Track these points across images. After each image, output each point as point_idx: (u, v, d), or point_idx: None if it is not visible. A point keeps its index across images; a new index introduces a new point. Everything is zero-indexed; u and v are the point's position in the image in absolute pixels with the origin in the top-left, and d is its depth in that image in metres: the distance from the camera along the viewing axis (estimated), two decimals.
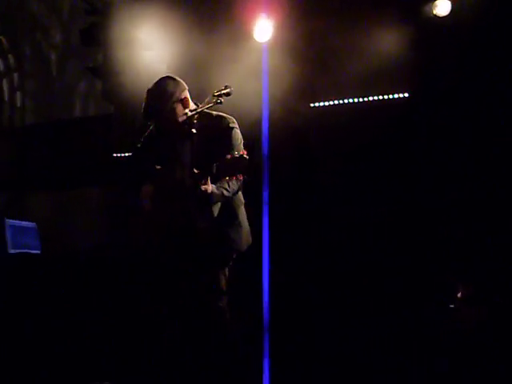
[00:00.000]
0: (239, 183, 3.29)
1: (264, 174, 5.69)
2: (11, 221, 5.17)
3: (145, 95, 3.45)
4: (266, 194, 5.62)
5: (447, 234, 5.64)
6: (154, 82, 3.47)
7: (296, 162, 6.69)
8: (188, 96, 3.46)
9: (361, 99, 6.72)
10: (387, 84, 6.49)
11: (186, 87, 3.49)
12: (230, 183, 3.25)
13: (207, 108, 3.39)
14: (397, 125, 6.35)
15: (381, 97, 6.62)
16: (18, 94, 16.35)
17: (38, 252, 5.31)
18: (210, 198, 3.18)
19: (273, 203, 5.71)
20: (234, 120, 3.48)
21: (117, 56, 7.10)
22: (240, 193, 3.48)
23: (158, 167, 3.43)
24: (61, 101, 16.34)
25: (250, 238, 3.59)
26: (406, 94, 6.47)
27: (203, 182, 3.09)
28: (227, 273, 3.50)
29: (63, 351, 4.50)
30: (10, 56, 16.13)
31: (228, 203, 3.39)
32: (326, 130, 6.68)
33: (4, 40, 15.92)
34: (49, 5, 16.22)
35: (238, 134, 3.46)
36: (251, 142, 3.62)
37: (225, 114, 3.49)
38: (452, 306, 4.72)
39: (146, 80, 6.64)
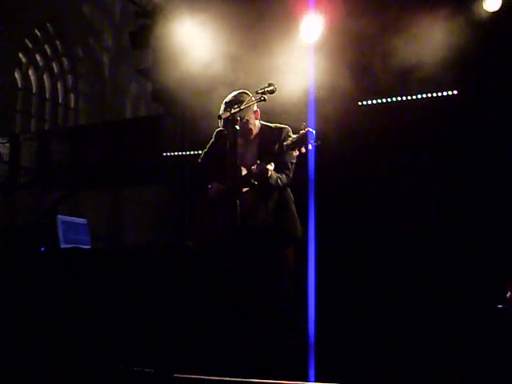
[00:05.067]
0: (288, 180, 3.79)
1: (310, 175, 5.69)
2: (63, 217, 5.35)
3: (222, 106, 3.81)
4: (311, 193, 5.62)
5: (496, 233, 5.54)
6: (230, 95, 3.83)
7: (343, 160, 6.65)
8: (258, 109, 3.87)
9: (409, 97, 6.65)
10: (436, 82, 6.40)
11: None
12: (284, 176, 3.75)
13: (250, 105, 3.47)
14: (446, 122, 6.26)
15: (429, 94, 6.53)
16: (72, 96, 16.79)
17: (88, 247, 5.45)
18: (269, 177, 3.63)
19: (319, 202, 5.72)
20: (290, 129, 3.89)
21: (166, 58, 7.19)
22: (289, 191, 3.91)
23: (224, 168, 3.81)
24: (112, 102, 16.69)
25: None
26: (455, 92, 6.37)
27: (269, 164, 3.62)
28: (291, 256, 3.84)
29: (110, 344, 4.61)
30: (64, 59, 16.57)
31: (283, 199, 3.85)
32: (373, 128, 6.62)
33: (59, 43, 16.35)
34: (101, 9, 16.58)
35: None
36: None
37: (282, 125, 3.89)
38: (500, 306, 4.63)
39: (195, 81, 6.80)
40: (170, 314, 4.63)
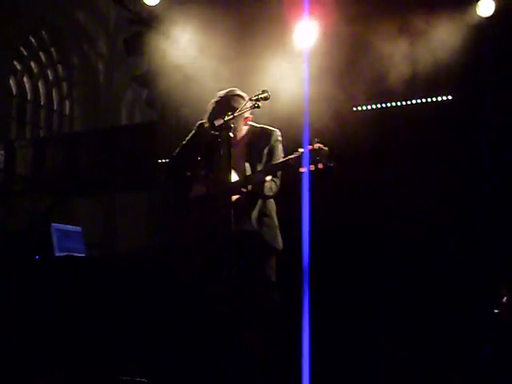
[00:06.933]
0: (277, 188, 3.60)
1: (304, 181, 5.68)
2: (58, 225, 5.33)
3: (212, 105, 3.62)
4: (306, 201, 5.61)
5: (492, 238, 5.55)
6: (224, 95, 3.64)
7: (338, 167, 6.63)
8: (250, 116, 3.66)
9: (403, 102, 6.65)
10: (431, 87, 6.41)
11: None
12: (273, 185, 3.56)
13: (245, 112, 3.43)
14: (442, 127, 6.26)
15: (424, 100, 6.54)
16: (67, 103, 16.78)
17: (83, 255, 5.43)
18: (263, 187, 3.48)
19: (313, 209, 5.73)
20: (280, 133, 3.72)
21: (160, 64, 7.19)
22: (273, 200, 3.72)
23: (206, 172, 3.66)
24: (107, 108, 16.68)
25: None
26: (450, 97, 6.38)
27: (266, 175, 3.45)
28: (274, 268, 3.67)
29: (106, 351, 4.59)
30: (59, 66, 16.56)
31: (265, 208, 3.65)
32: (369, 133, 6.62)
33: (53, 51, 16.35)
34: (96, 16, 16.58)
35: (281, 146, 3.72)
36: (292, 148, 3.71)
37: (271, 128, 3.70)
38: (497, 311, 4.63)
39: (189, 88, 6.79)
40: (166, 320, 4.61)
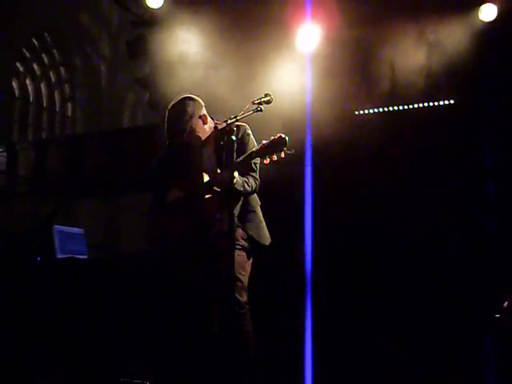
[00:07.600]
0: (256, 182, 3.57)
1: (307, 184, 5.71)
2: (60, 227, 5.33)
3: (166, 115, 3.74)
4: (309, 202, 5.63)
5: (492, 240, 5.56)
6: (174, 102, 3.74)
7: (340, 171, 6.65)
8: (206, 113, 3.72)
9: (406, 106, 6.65)
10: (433, 91, 6.41)
11: (203, 104, 3.74)
12: (251, 180, 3.53)
13: (246, 116, 3.44)
14: (443, 130, 6.26)
15: (426, 104, 6.54)
16: (69, 105, 16.80)
17: (85, 257, 5.43)
18: (234, 184, 3.39)
19: (316, 210, 5.76)
20: (248, 126, 3.72)
21: (163, 67, 7.20)
22: (256, 194, 3.70)
23: (182, 176, 3.68)
24: (110, 110, 16.71)
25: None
26: (452, 101, 6.38)
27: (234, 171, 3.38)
28: (248, 269, 3.65)
29: (109, 354, 4.59)
30: (61, 68, 16.59)
31: (248, 204, 3.65)
32: (371, 137, 6.63)
33: (56, 53, 16.38)
34: (98, 18, 16.62)
35: (253, 139, 3.70)
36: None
37: (238, 123, 3.64)
38: (498, 315, 4.64)
39: (191, 90, 6.80)
40: (169, 321, 4.62)
